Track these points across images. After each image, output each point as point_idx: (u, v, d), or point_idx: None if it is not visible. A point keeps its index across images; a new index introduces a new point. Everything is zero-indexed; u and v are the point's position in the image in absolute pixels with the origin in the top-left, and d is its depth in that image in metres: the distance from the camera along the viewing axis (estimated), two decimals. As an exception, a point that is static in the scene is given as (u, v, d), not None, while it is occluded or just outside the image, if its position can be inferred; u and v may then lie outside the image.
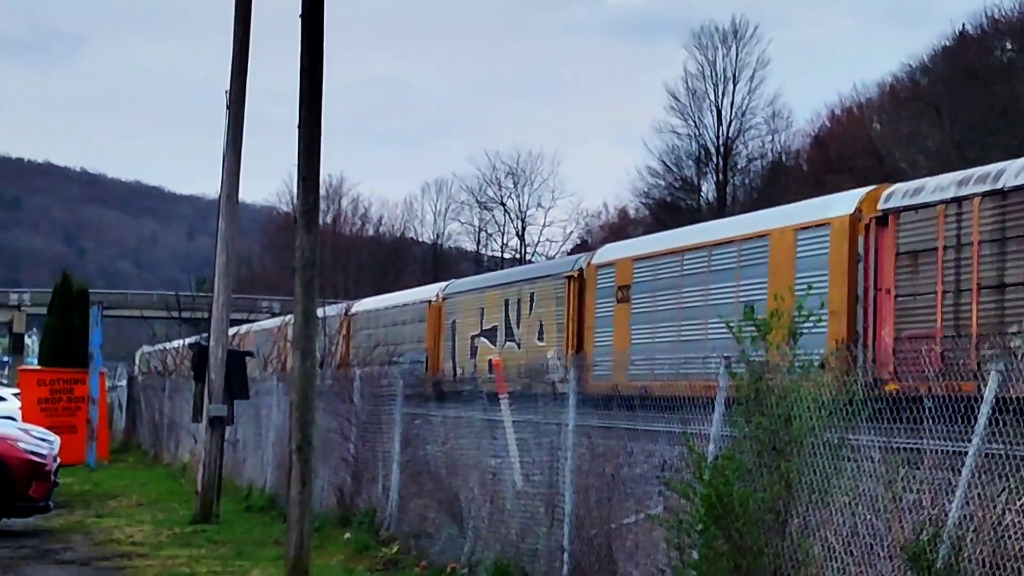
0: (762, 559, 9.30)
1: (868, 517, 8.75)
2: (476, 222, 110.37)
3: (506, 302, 35.44)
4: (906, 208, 21.57)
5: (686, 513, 9.82)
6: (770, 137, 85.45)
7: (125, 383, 48.50)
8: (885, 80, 79.19)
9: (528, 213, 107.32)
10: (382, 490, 18.01)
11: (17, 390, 38.53)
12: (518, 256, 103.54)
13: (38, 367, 39.12)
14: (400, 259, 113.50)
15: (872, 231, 22.19)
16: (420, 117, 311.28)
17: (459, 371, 36.26)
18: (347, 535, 17.59)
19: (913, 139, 68.62)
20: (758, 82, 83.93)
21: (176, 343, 50.52)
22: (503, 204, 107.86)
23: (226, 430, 22.22)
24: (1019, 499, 7.75)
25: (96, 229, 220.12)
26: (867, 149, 71.62)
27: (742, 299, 23.82)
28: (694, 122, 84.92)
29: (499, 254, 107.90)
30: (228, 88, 21.66)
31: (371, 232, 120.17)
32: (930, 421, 8.48)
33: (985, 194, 20.04)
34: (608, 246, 35.09)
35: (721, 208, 76.27)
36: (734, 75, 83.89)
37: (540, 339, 33.08)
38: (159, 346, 57.30)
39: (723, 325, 10.41)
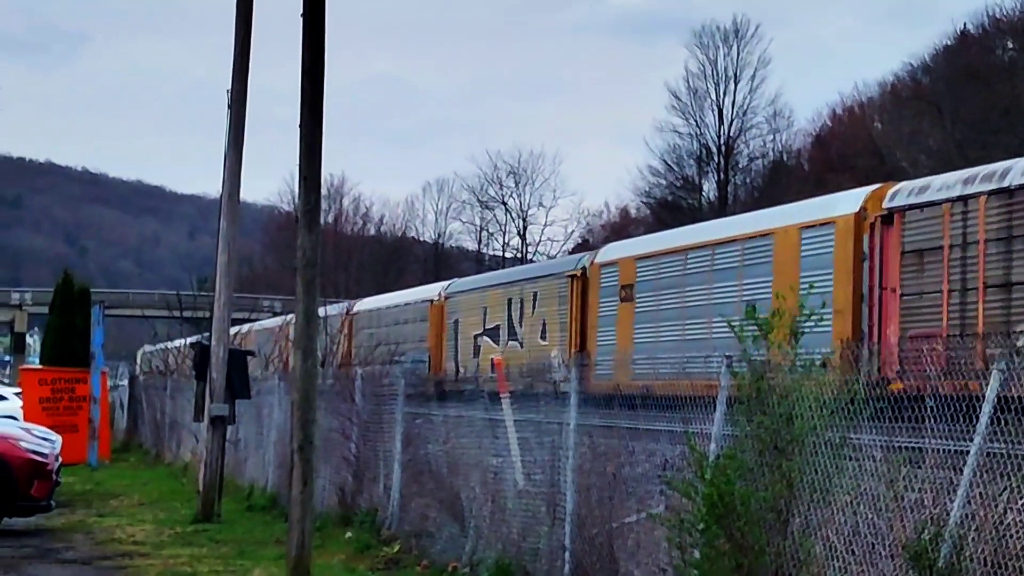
0: (764, 558, 9.30)
1: (870, 516, 8.75)
2: (477, 221, 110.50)
3: (509, 301, 35.41)
4: (911, 207, 21.48)
5: (688, 512, 9.83)
6: (771, 136, 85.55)
7: (127, 382, 48.47)
8: (886, 79, 79.26)
9: (529, 212, 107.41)
10: (383, 489, 18.01)
11: (19, 389, 38.53)
12: (519, 255, 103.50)
13: (40, 366, 39.14)
14: (401, 258, 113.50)
15: (877, 230, 22.09)
16: (421, 116, 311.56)
17: (462, 370, 36.25)
18: (348, 534, 17.59)
19: (914, 138, 68.59)
20: (759, 81, 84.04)
21: (177, 342, 50.53)
22: (504, 203, 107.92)
23: (227, 429, 22.22)
24: (1021, 498, 7.75)
25: (97, 228, 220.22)
26: (868, 148, 71.59)
27: (746, 298, 23.79)
28: (695, 121, 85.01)
29: (500, 253, 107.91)
30: (229, 87, 21.66)
31: (372, 231, 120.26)
32: (932, 420, 8.48)
33: (991, 192, 19.94)
34: (611, 245, 35.04)
35: (722, 207, 76.23)
36: (735, 74, 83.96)
37: (543, 338, 33.06)
38: (160, 345, 57.33)
39: (726, 324, 10.39)
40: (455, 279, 45.98)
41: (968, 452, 8.08)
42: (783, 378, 9.53)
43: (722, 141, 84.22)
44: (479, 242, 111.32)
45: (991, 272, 19.82)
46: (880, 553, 8.57)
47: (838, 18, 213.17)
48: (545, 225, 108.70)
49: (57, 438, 21.40)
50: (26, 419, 29.83)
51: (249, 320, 54.61)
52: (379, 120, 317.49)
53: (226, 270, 21.71)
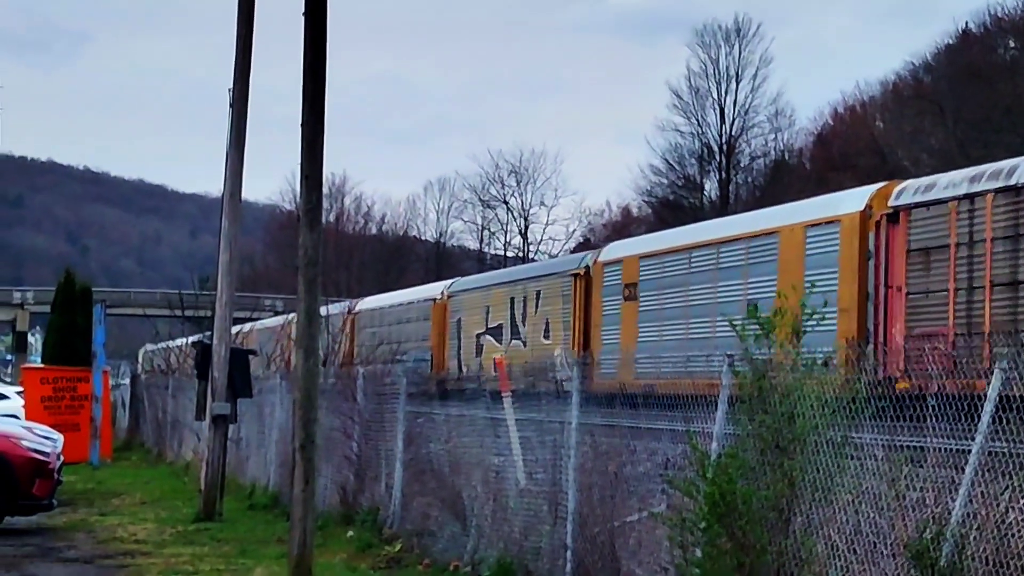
0: (765, 557, 9.30)
1: (871, 515, 8.75)
2: (479, 220, 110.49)
3: (512, 300, 35.34)
4: (918, 205, 21.39)
5: (689, 511, 9.83)
6: (773, 135, 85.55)
7: (128, 381, 48.48)
8: (888, 78, 79.27)
9: (531, 211, 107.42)
10: (385, 488, 18.01)
11: (20, 388, 38.54)
12: (521, 255, 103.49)
13: (41, 365, 39.11)
14: (403, 257, 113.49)
15: (883, 228, 21.99)
16: (423, 115, 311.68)
17: (464, 369, 36.18)
18: (350, 533, 17.59)
19: (916, 137, 68.57)
20: (761, 80, 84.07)
21: (179, 341, 50.55)
22: (506, 202, 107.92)
23: (229, 428, 22.22)
24: (1022, 498, 7.75)
25: (99, 227, 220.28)
26: (870, 147, 71.57)
27: (750, 297, 23.73)
28: (697, 120, 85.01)
29: (502, 253, 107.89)
30: (231, 86, 21.66)
31: (374, 230, 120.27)
32: (933, 419, 8.47)
33: (998, 190, 19.85)
34: (615, 243, 34.96)
35: (724, 206, 76.23)
36: (737, 73, 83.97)
37: (546, 337, 33.00)
38: (162, 344, 57.30)
39: (740, 322, 10.34)
40: (458, 278, 45.91)
41: (970, 451, 8.08)
42: (785, 377, 9.52)
43: (724, 140, 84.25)
44: (481, 241, 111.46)
45: (998, 270, 19.71)
46: (882, 552, 8.57)
47: (840, 17, 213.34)
48: (547, 224, 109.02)
49: (59, 437, 21.41)
50: (28, 418, 29.85)
51: (251, 319, 54.56)
52: (380, 119, 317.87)
53: (228, 269, 21.71)
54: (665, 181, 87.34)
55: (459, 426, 16.18)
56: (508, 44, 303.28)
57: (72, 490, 24.80)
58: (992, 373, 8.10)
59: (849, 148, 74.09)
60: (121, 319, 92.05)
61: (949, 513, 8.11)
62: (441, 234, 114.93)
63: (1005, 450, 7.88)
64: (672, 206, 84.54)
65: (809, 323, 9.76)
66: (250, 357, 24.23)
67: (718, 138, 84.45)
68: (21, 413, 32.76)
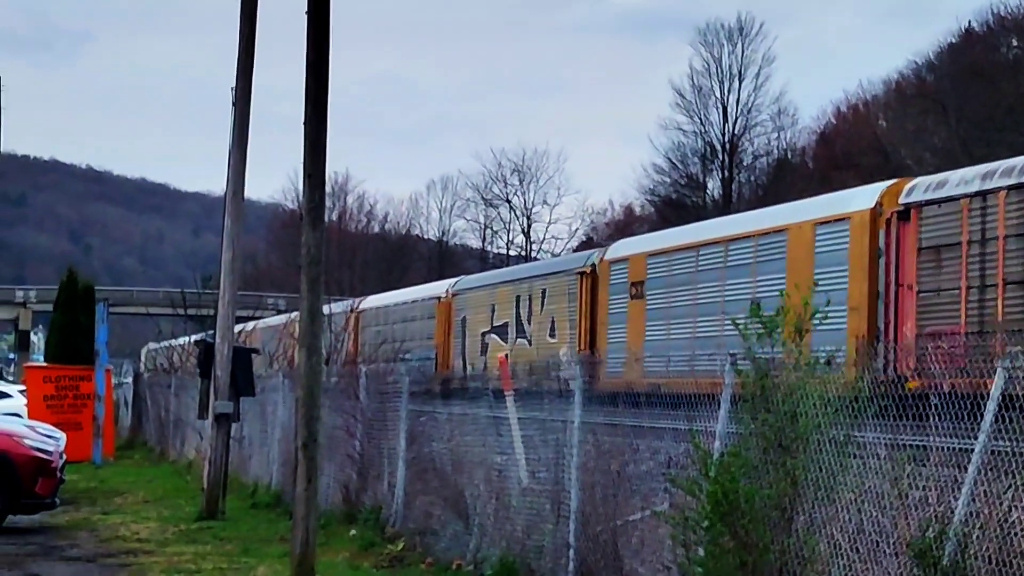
0: (768, 556, 9.29)
1: (874, 514, 8.74)
2: (482, 219, 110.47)
3: (517, 298, 35.24)
4: (929, 202, 21.22)
5: (692, 510, 9.82)
6: (776, 134, 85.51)
7: (131, 380, 48.53)
8: (891, 77, 79.21)
9: (534, 210, 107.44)
10: (387, 487, 18.01)
11: (23, 387, 38.56)
12: (524, 253, 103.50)
13: (44, 364, 39.12)
14: (406, 256, 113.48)
15: (893, 226, 21.81)
16: (425, 115, 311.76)
17: (469, 368, 36.09)
18: (353, 532, 17.59)
19: (919, 136, 68.55)
20: (764, 79, 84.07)
21: (182, 340, 50.56)
22: (509, 201, 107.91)
23: (232, 427, 22.23)
24: (1026, 496, 7.75)
25: (102, 226, 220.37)
26: (873, 146, 71.54)
27: (759, 295, 23.58)
28: (700, 119, 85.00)
29: (505, 251, 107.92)
30: (234, 85, 21.66)
31: (377, 229, 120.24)
32: (936, 418, 8.46)
33: (1011, 188, 19.65)
34: (621, 241, 34.84)
35: (727, 205, 76.22)
36: (740, 72, 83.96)
37: (552, 336, 32.91)
38: (165, 343, 57.31)
39: (743, 321, 10.31)
40: (463, 276, 45.82)
41: (972, 450, 8.07)
42: (788, 376, 9.51)
43: (726, 139, 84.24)
44: (483, 240, 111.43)
45: (1010, 268, 19.52)
46: (884, 551, 8.56)
47: (842, 16, 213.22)
48: (549, 223, 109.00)
49: (61, 435, 21.41)
50: (30, 417, 29.86)
51: (253, 318, 54.57)
52: (382, 118, 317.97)
53: (230, 268, 21.71)
54: (668, 180, 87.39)
55: (461, 425, 16.17)
56: (509, 43, 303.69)
57: (75, 489, 24.81)
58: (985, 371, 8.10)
59: (852, 147, 74.06)
60: (124, 318, 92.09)
61: (952, 512, 8.11)
62: (444, 233, 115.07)
63: (1008, 449, 7.87)
64: (675, 205, 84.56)
65: (817, 321, 9.73)
66: (253, 356, 24.24)
67: (721, 137, 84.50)
68: (24, 412, 32.77)
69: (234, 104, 21.71)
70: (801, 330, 9.65)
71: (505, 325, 35.75)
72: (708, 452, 9.93)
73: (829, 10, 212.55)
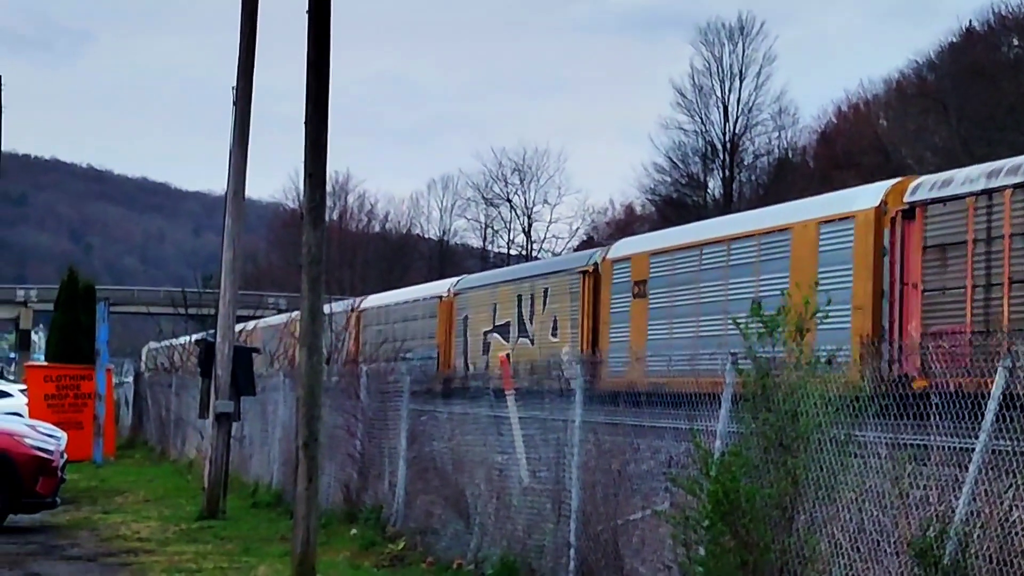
0: (769, 555, 9.29)
1: (875, 513, 8.74)
2: (482, 219, 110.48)
3: (519, 298, 35.17)
4: (934, 200, 21.09)
5: (692, 509, 9.82)
6: (776, 133, 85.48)
7: (132, 379, 48.53)
8: (892, 76, 79.24)
9: (534, 210, 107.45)
10: (388, 486, 18.02)
11: (24, 386, 38.56)
12: (524, 253, 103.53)
13: (45, 363, 39.15)
14: (406, 255, 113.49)
15: (898, 224, 21.71)
16: (425, 114, 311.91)
17: (471, 367, 36.02)
18: (353, 531, 17.59)
19: (920, 135, 68.55)
20: (764, 78, 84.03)
21: (183, 339, 50.56)
22: (509, 200, 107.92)
23: (232, 426, 22.23)
24: (1026, 495, 7.75)
25: (103, 225, 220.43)
26: (874, 145, 71.55)
27: (762, 294, 23.51)
28: (700, 118, 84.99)
29: (505, 251, 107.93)
30: (235, 84, 21.66)
31: (377, 228, 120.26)
32: (937, 417, 8.46)
33: (1017, 186, 19.53)
34: (624, 240, 34.74)
35: (727, 205, 76.22)
36: (741, 71, 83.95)
37: (554, 335, 32.85)
38: (166, 342, 57.34)
39: (744, 321, 10.29)
40: (465, 275, 45.75)
41: (973, 449, 8.07)
42: (789, 375, 9.51)
43: (727, 138, 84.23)
44: (484, 239, 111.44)
45: (1016, 267, 19.40)
46: (885, 550, 8.56)
47: (843, 15, 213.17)
48: (550, 222, 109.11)
49: (62, 435, 21.41)
50: (31, 416, 29.87)
51: (254, 317, 54.58)
52: (383, 118, 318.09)
53: (231, 267, 21.71)
54: (669, 179, 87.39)
55: (462, 424, 16.17)
56: (509, 43, 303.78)
57: (75, 488, 24.81)
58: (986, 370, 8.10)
59: (853, 146, 74.08)
60: (124, 317, 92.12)
61: (953, 511, 8.11)
62: (444, 232, 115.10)
63: (1009, 448, 7.87)
64: (676, 204, 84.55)
65: (821, 320, 9.72)
66: (254, 355, 24.24)
67: (722, 136, 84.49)
68: (25, 411, 32.77)
69: (235, 103, 21.71)
70: (802, 329, 9.65)
71: (507, 324, 35.70)
72: (709, 451, 9.93)
73: (830, 9, 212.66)
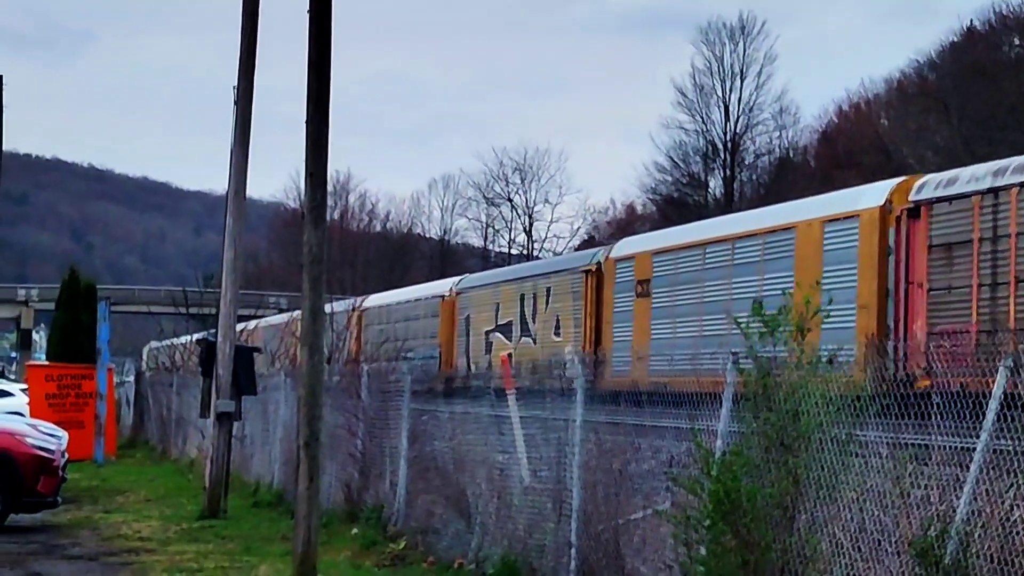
0: (770, 555, 9.29)
1: (876, 513, 8.74)
2: (483, 218, 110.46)
3: (521, 297, 35.11)
4: (939, 199, 21.00)
5: (694, 509, 9.82)
6: (777, 133, 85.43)
7: (133, 379, 48.54)
8: (893, 76, 79.19)
9: (535, 209, 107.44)
10: (389, 486, 18.02)
11: (25, 385, 38.56)
12: (525, 252, 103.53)
13: (46, 363, 39.16)
14: (407, 255, 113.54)
15: (903, 223, 21.61)
16: (426, 114, 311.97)
17: (473, 367, 35.98)
18: (354, 531, 17.59)
19: (921, 135, 68.55)
20: (765, 78, 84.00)
21: (184, 339, 50.55)
22: (510, 200, 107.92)
23: (234, 426, 22.24)
24: (1027, 495, 7.75)
25: (103, 225, 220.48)
26: (875, 145, 71.53)
27: (766, 293, 23.45)
28: (701, 118, 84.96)
29: (506, 250, 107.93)
30: (236, 84, 21.66)
31: (378, 228, 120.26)
32: (938, 416, 8.45)
33: (1023, 184, 19.56)
34: (627, 239, 34.68)
35: (728, 204, 76.22)
36: (741, 71, 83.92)
37: (557, 334, 32.79)
38: (167, 342, 57.33)
39: (745, 320, 10.27)
40: (467, 275, 45.70)
41: (975, 449, 8.07)
42: (790, 374, 9.51)
43: (728, 138, 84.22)
44: (485, 239, 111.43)
45: (1022, 265, 19.29)
46: (886, 550, 8.56)
47: (844, 15, 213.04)
48: (551, 222, 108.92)
49: (63, 434, 21.41)
50: (32, 415, 29.88)
51: (255, 316, 54.56)
52: (384, 117, 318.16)
53: (232, 266, 21.72)
54: (670, 179, 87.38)
55: (463, 423, 16.18)
56: (510, 42, 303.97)
57: (76, 487, 24.81)
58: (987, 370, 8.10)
59: (854, 146, 74.05)
60: (125, 316, 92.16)
61: (954, 511, 8.11)
62: (445, 231, 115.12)
63: (1010, 448, 7.87)
64: (677, 204, 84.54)
65: (826, 320, 9.71)
66: (255, 354, 24.24)
67: (723, 135, 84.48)
68: (26, 410, 32.79)
69: (236, 103, 21.71)
70: (803, 328, 9.65)
71: (509, 324, 35.66)
72: (710, 451, 9.93)
73: (830, 9, 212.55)
